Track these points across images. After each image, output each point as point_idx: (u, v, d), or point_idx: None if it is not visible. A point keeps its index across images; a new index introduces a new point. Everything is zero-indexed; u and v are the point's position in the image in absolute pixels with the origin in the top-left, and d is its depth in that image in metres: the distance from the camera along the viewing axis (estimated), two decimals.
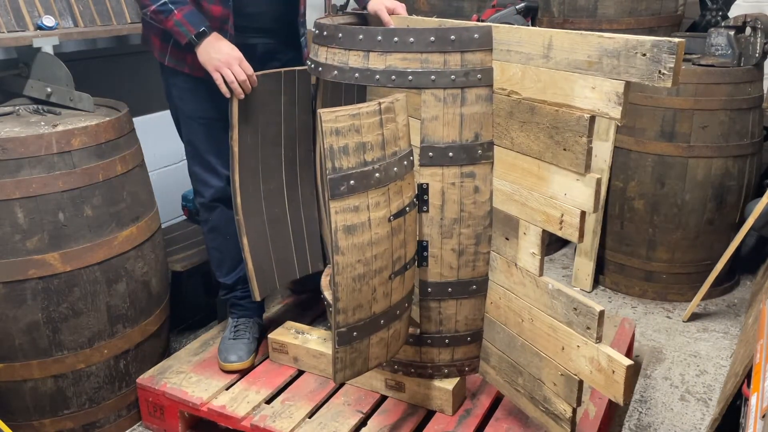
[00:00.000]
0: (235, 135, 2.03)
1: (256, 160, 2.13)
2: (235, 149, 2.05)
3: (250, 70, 1.97)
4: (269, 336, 2.24)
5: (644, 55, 1.40)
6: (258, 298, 2.23)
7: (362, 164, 1.56)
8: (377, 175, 1.59)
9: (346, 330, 1.63)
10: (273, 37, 2.20)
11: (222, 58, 1.93)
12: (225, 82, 1.96)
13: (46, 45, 2.37)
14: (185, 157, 2.27)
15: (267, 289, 2.24)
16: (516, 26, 1.73)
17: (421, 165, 1.81)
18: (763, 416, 1.51)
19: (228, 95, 1.98)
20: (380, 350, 1.75)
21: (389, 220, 1.63)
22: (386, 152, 1.61)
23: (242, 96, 1.98)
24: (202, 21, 1.96)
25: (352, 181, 1.55)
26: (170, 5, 1.94)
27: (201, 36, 1.95)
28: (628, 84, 1.45)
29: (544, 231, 1.70)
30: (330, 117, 1.52)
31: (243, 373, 2.19)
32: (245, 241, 2.14)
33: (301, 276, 2.36)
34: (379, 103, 1.59)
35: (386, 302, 1.70)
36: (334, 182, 1.53)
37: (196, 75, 2.06)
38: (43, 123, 2.12)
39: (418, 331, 1.98)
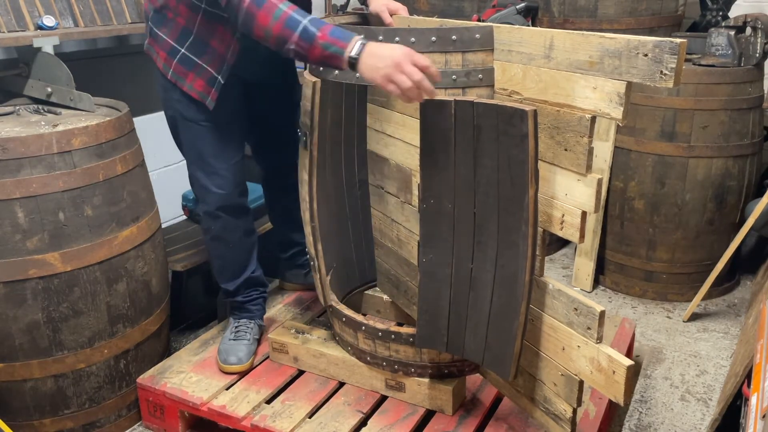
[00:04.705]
0: (315, 138, 1.90)
1: (323, 158, 1.99)
2: (315, 153, 1.92)
3: (424, 61, 1.58)
4: (269, 336, 2.24)
5: (646, 55, 1.40)
6: (324, 304, 2.17)
7: None
8: None
9: None
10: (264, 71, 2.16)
11: (388, 64, 1.56)
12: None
13: (47, 45, 2.37)
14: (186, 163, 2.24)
15: (340, 293, 2.18)
16: (517, 26, 1.72)
17: None
18: (763, 416, 1.51)
19: (409, 102, 1.63)
20: None
21: None
22: None
23: (422, 100, 1.61)
24: (349, 33, 1.65)
25: None
26: (311, 28, 1.64)
27: (357, 52, 1.61)
28: (629, 84, 1.45)
29: (544, 231, 1.70)
30: None
31: (243, 373, 2.19)
32: (320, 247, 2.04)
33: (364, 282, 2.29)
34: None
35: None
36: None
37: (193, 96, 2.03)
38: (43, 123, 2.12)
39: None
